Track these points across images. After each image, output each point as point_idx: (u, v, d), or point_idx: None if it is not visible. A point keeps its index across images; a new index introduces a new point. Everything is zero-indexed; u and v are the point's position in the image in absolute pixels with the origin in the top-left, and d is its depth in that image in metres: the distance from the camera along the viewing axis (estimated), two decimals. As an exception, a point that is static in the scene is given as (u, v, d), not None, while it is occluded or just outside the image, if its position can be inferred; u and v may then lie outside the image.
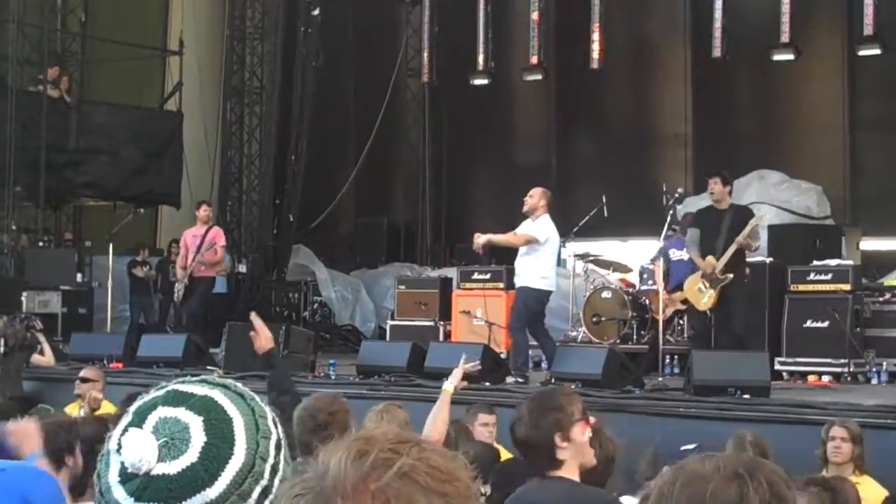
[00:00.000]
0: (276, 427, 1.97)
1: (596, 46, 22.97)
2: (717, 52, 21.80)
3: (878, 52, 20.39)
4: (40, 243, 21.60)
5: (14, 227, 20.51)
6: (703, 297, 13.46)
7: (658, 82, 24.95)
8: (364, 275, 24.27)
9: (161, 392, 1.94)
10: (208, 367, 15.08)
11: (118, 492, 1.85)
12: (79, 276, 21.06)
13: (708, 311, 13.62)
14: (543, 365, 15.67)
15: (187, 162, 23.98)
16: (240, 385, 2.00)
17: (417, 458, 1.61)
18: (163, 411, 1.89)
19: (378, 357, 14.86)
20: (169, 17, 25.32)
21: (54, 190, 21.91)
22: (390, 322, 19.52)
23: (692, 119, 23.98)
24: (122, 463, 1.85)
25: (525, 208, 14.29)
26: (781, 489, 2.01)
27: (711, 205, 14.03)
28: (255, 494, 1.88)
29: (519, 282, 14.31)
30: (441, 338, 17.84)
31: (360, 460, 1.60)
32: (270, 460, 1.91)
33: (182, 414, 1.88)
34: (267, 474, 1.90)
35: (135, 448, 1.83)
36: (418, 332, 17.39)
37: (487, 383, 13.23)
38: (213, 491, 1.84)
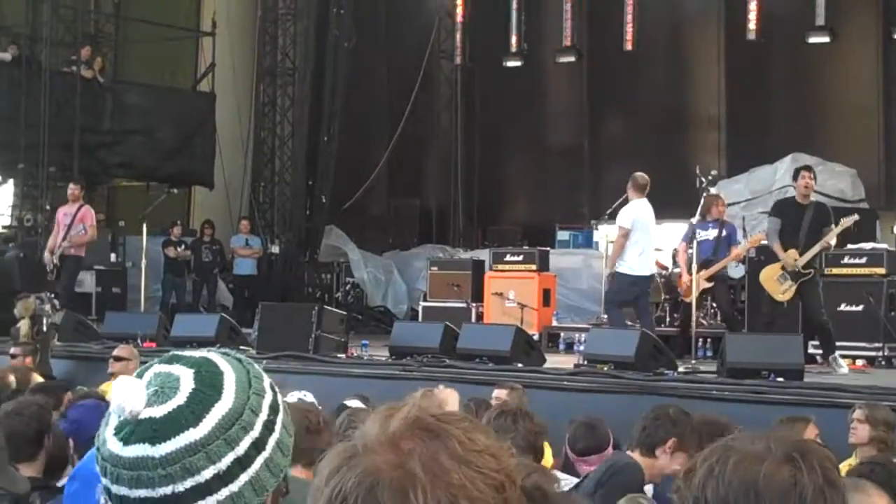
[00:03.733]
0: (274, 392, 1.99)
1: (629, 28, 22.91)
2: (751, 34, 21.67)
3: (914, 34, 20.25)
4: (74, 223, 21.67)
5: (48, 208, 20.59)
6: (782, 287, 13.45)
7: (692, 64, 24.84)
8: (396, 256, 24.28)
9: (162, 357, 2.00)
10: (241, 347, 15.12)
11: (112, 441, 1.88)
12: (112, 256, 21.16)
13: (785, 303, 13.56)
14: (577, 347, 15.69)
15: (220, 143, 24.03)
16: (238, 353, 2.03)
17: (456, 426, 1.64)
18: (158, 368, 1.94)
19: (411, 338, 14.85)
20: (202, -2, 25.36)
21: (88, 170, 21.97)
22: (423, 303, 19.54)
23: (726, 101, 23.87)
24: (119, 417, 1.89)
25: None
26: (833, 475, 1.99)
27: (793, 197, 13.88)
28: (245, 445, 1.89)
29: None
30: (473, 319, 17.86)
31: (391, 419, 1.65)
32: (263, 416, 1.93)
33: (175, 369, 1.93)
34: (258, 427, 1.91)
35: (121, 393, 1.87)
36: (450, 314, 17.37)
37: (520, 364, 13.22)
38: (198, 432, 1.86)
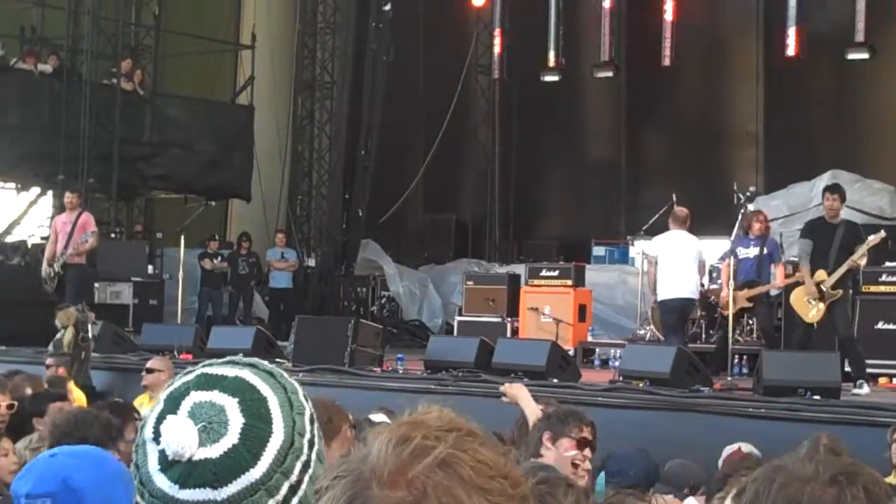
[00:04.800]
0: (307, 402, 1.97)
1: (667, 43, 22.87)
2: (790, 51, 21.60)
3: (954, 51, 20.12)
4: (112, 235, 21.81)
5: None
6: (812, 309, 13.34)
7: (730, 80, 24.76)
8: (432, 270, 24.30)
9: (191, 377, 1.93)
10: (277, 360, 15.15)
11: (161, 480, 1.85)
12: (150, 268, 21.25)
13: (815, 324, 13.48)
14: (612, 363, 15.66)
15: (258, 156, 24.13)
16: (267, 363, 1.99)
17: (463, 449, 1.56)
18: (196, 396, 1.89)
19: (446, 352, 14.86)
20: (241, 12, 25.47)
21: (127, 182, 22.12)
22: (458, 318, 19.53)
23: (764, 117, 23.80)
24: (162, 451, 1.85)
25: None
26: (880, 498, 1.97)
27: (822, 216, 13.79)
28: (297, 470, 1.88)
29: None
30: (509, 334, 17.83)
31: (401, 446, 1.56)
32: (307, 435, 1.92)
33: (216, 397, 1.88)
34: (306, 449, 1.90)
35: (176, 435, 1.83)
36: (486, 328, 17.36)
37: (555, 380, 13.20)
38: (258, 471, 1.84)
